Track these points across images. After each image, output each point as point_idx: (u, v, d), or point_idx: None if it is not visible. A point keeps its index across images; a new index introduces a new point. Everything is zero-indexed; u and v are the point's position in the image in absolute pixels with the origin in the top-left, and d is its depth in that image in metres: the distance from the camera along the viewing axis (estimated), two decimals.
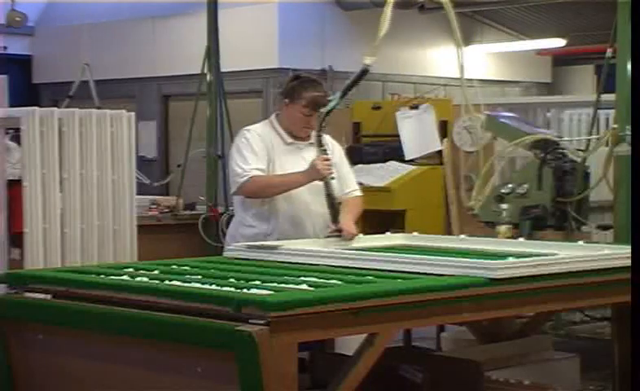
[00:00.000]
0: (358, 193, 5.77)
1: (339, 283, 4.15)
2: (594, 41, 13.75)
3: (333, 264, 4.66)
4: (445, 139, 7.85)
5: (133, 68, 14.96)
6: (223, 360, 3.61)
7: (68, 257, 6.84)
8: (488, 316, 4.73)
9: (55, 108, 7.14)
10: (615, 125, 5.96)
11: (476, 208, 6.30)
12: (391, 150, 8.03)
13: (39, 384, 4.34)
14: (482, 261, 4.45)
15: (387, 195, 7.62)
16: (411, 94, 10.52)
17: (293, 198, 5.53)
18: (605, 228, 6.93)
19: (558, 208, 6.17)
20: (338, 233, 5.37)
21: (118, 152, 7.12)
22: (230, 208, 8.34)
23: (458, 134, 7.71)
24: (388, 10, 5.21)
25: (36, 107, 6.93)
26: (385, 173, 7.81)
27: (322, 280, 4.20)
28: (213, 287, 4.03)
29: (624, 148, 5.82)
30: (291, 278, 4.26)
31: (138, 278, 4.31)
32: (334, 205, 5.44)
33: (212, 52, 9.44)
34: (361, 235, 5.65)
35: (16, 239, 6.84)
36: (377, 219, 7.39)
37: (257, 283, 4.10)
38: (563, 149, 6.32)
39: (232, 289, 3.98)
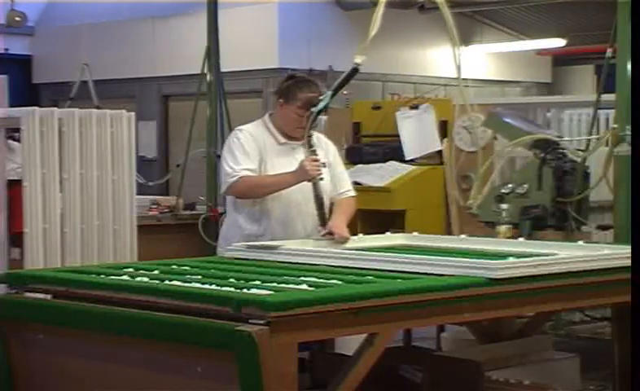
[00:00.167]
0: (352, 193, 5.74)
1: (339, 283, 4.15)
2: (594, 41, 13.75)
3: (333, 264, 4.66)
4: (445, 139, 7.85)
5: (133, 68, 14.96)
6: (223, 360, 3.61)
7: (68, 257, 6.85)
8: (488, 316, 4.73)
9: (55, 108, 7.15)
10: (615, 125, 5.96)
11: (474, 206, 6.30)
12: (391, 150, 8.03)
13: (39, 384, 4.34)
14: (482, 261, 4.45)
15: (387, 195, 7.61)
16: (411, 94, 10.52)
17: (284, 199, 5.49)
18: (605, 228, 6.93)
19: (558, 208, 6.17)
20: (330, 235, 5.34)
21: (118, 152, 7.12)
22: None
23: (458, 134, 7.71)
24: (380, 10, 5.19)
25: (36, 107, 6.94)
26: (385, 173, 7.80)
27: (322, 280, 4.20)
28: (213, 287, 4.03)
29: (624, 148, 5.82)
30: (291, 278, 4.26)
31: (138, 278, 4.31)
32: (322, 207, 5.42)
33: (212, 52, 9.44)
34: (361, 235, 5.65)
35: (16, 239, 6.84)
36: (377, 219, 7.40)
37: (257, 283, 4.10)
38: (563, 149, 6.32)
39: (232, 289, 3.98)
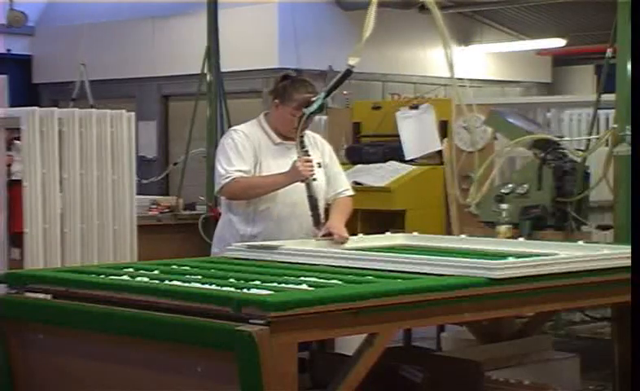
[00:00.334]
0: (350, 193, 5.71)
1: (339, 283, 4.15)
2: (594, 41, 13.75)
3: (333, 264, 4.66)
4: (445, 139, 7.85)
5: (133, 68, 14.96)
6: (223, 360, 3.61)
7: (68, 257, 6.85)
8: (488, 316, 4.73)
9: (55, 108, 7.15)
10: (615, 125, 5.96)
11: (473, 204, 6.30)
12: (391, 150, 8.02)
13: (39, 384, 4.34)
14: (482, 261, 4.45)
15: (387, 195, 7.61)
16: (411, 94, 10.53)
17: (280, 199, 5.47)
18: (605, 228, 6.93)
19: (558, 208, 6.18)
20: (329, 236, 5.33)
21: (118, 152, 7.13)
22: None
23: (458, 134, 7.71)
24: (372, 11, 5.17)
25: (36, 107, 6.94)
26: (385, 173, 7.80)
27: (322, 280, 4.20)
28: (213, 287, 4.02)
29: (624, 148, 5.82)
30: (291, 278, 4.26)
31: (138, 278, 4.30)
32: (316, 207, 5.41)
33: (212, 52, 9.44)
34: (361, 235, 5.64)
35: (16, 239, 6.85)
36: (377, 219, 7.40)
37: (257, 283, 4.10)
38: (563, 149, 6.32)
39: (232, 289, 3.98)
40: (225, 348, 3.61)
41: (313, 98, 5.37)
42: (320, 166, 5.54)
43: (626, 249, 4.49)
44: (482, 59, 15.86)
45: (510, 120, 6.62)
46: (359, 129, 8.44)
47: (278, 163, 5.48)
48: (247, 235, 5.46)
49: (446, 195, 7.81)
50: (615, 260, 4.71)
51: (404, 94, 10.30)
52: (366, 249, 5.13)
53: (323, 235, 5.33)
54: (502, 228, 6.04)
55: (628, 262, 4.31)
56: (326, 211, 5.61)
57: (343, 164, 7.32)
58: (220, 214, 5.75)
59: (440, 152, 7.94)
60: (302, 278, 4.23)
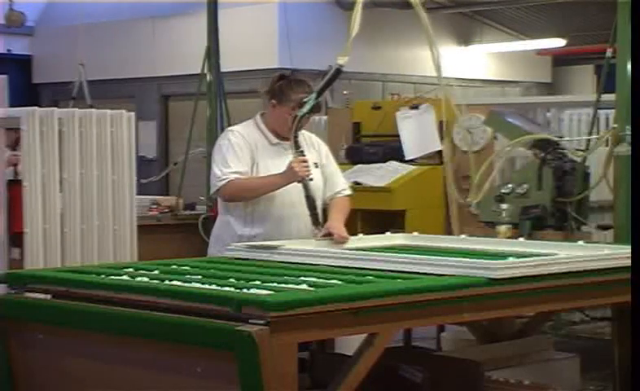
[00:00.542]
0: (348, 192, 5.70)
1: (339, 283, 4.15)
2: (594, 41, 13.76)
3: (333, 264, 4.66)
4: (445, 139, 7.84)
5: (133, 68, 14.97)
6: (223, 360, 3.61)
7: (68, 257, 6.86)
8: (488, 316, 4.73)
9: (55, 108, 7.16)
10: (615, 125, 5.95)
11: (473, 204, 6.30)
12: (391, 150, 8.02)
13: (39, 384, 4.34)
14: (482, 261, 4.45)
15: (387, 195, 7.61)
16: (411, 94, 10.52)
17: (277, 199, 5.46)
18: (605, 228, 6.93)
19: (558, 208, 6.17)
20: (329, 236, 5.32)
21: (118, 152, 7.13)
22: None
23: (458, 134, 7.71)
24: (358, 9, 5.17)
25: (36, 107, 6.95)
26: (385, 173, 7.80)
27: (322, 280, 4.20)
28: (213, 287, 4.02)
29: (624, 148, 5.82)
30: (291, 278, 4.26)
31: (138, 278, 4.30)
32: (314, 207, 5.40)
33: (212, 52, 9.44)
34: (361, 235, 5.64)
35: (16, 239, 6.85)
36: (377, 219, 7.40)
37: (257, 283, 4.10)
38: (563, 149, 6.32)
39: (232, 289, 3.98)
40: (225, 348, 3.61)
41: (305, 100, 5.34)
42: (317, 166, 5.53)
43: (626, 249, 4.49)
44: (482, 59, 15.86)
45: (510, 120, 6.62)
46: (359, 129, 8.44)
47: (275, 163, 5.47)
48: (245, 235, 5.45)
49: (446, 195, 7.80)
50: (615, 260, 4.71)
51: (404, 94, 10.29)
52: (366, 249, 5.12)
53: (323, 236, 5.33)
54: (502, 228, 6.04)
55: (628, 262, 4.32)
56: (324, 211, 5.61)
57: (343, 164, 7.34)
58: None
59: (440, 152, 7.94)
60: (302, 278, 4.23)
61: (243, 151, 5.47)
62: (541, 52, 16.13)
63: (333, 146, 6.75)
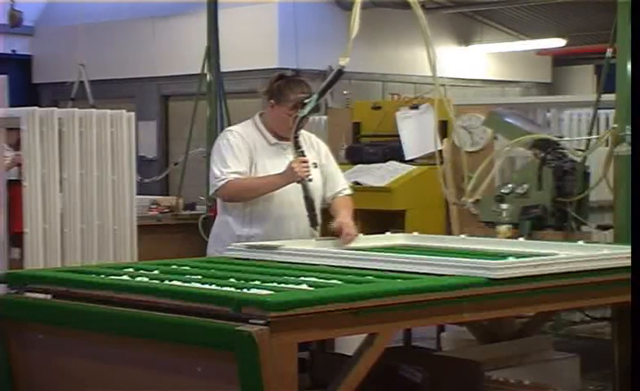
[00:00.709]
0: (349, 191, 5.69)
1: (339, 283, 4.15)
2: (594, 41, 13.77)
3: (333, 264, 4.66)
4: (445, 139, 7.84)
5: (133, 68, 14.97)
6: (223, 360, 3.61)
7: (68, 257, 6.86)
8: (488, 316, 4.73)
9: (55, 108, 7.17)
10: (616, 125, 5.95)
11: (467, 203, 6.30)
12: (391, 150, 8.02)
13: (39, 384, 4.34)
14: (482, 261, 4.45)
15: (387, 195, 7.61)
16: (411, 94, 10.52)
17: (276, 200, 5.45)
18: (605, 228, 6.93)
19: (558, 208, 6.17)
20: (338, 233, 5.32)
21: (118, 152, 7.13)
22: None
23: (458, 134, 7.70)
24: (357, 10, 5.16)
25: (36, 107, 6.95)
26: (385, 173, 7.80)
27: (322, 280, 4.20)
28: (213, 287, 4.03)
29: (624, 148, 5.82)
30: (291, 278, 4.26)
31: (138, 278, 4.30)
32: (313, 208, 5.40)
33: (212, 52, 9.45)
34: (361, 235, 5.64)
35: (16, 239, 6.86)
36: (377, 219, 7.39)
37: (257, 283, 4.10)
38: (563, 149, 6.32)
39: (232, 289, 3.98)
40: (225, 348, 3.61)
41: (307, 100, 5.34)
42: (315, 166, 5.53)
43: (626, 249, 4.49)
44: (482, 59, 15.86)
45: (510, 120, 6.61)
46: (359, 129, 8.43)
47: (274, 163, 5.47)
48: (243, 235, 5.45)
49: (447, 196, 7.80)
50: (615, 260, 4.71)
51: (404, 94, 10.29)
52: (366, 249, 5.13)
53: (332, 234, 5.31)
54: (502, 228, 6.03)
55: (628, 262, 4.32)
56: (325, 211, 5.61)
57: (343, 164, 7.33)
58: None
59: (440, 152, 7.93)
60: (302, 278, 4.23)
61: (241, 151, 5.47)
62: (541, 52, 16.14)
63: (333, 146, 6.75)
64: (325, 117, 9.45)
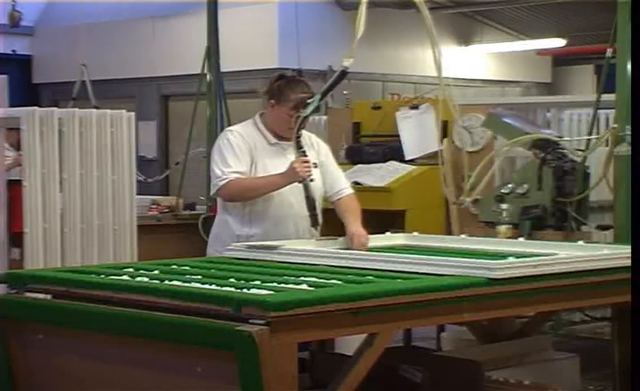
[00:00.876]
0: (350, 190, 5.68)
1: (339, 283, 4.15)
2: (594, 41, 13.77)
3: (333, 264, 4.66)
4: (445, 139, 7.84)
5: (133, 68, 14.97)
6: (223, 360, 3.61)
7: (68, 257, 6.86)
8: (488, 316, 4.73)
9: (55, 108, 7.17)
10: (615, 125, 5.95)
11: (466, 202, 6.30)
12: (391, 150, 8.02)
13: (39, 384, 4.34)
14: (482, 261, 4.45)
15: (387, 195, 7.61)
16: (411, 94, 10.53)
17: (276, 199, 5.45)
18: (605, 228, 6.93)
19: (558, 208, 6.17)
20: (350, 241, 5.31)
21: (118, 152, 7.13)
22: None
23: (458, 134, 7.71)
24: (363, 11, 5.16)
25: (36, 107, 6.95)
26: (385, 173, 7.80)
27: (322, 280, 4.20)
28: (213, 287, 4.03)
29: (624, 148, 5.82)
30: (291, 278, 4.26)
31: (138, 278, 4.30)
32: (314, 208, 5.40)
33: (212, 52, 9.44)
34: None
35: (16, 239, 6.86)
36: (377, 219, 7.39)
37: (257, 283, 4.10)
38: (563, 149, 6.32)
39: (232, 289, 3.98)
40: (225, 348, 3.61)
41: (309, 100, 5.33)
42: (316, 166, 5.53)
43: (626, 249, 4.49)
44: (482, 59, 15.86)
45: (508, 121, 6.61)
46: (359, 129, 8.44)
47: (274, 163, 5.47)
48: (243, 235, 5.45)
49: (446, 195, 7.80)
50: (615, 260, 4.71)
51: (404, 94, 10.29)
52: (366, 249, 5.12)
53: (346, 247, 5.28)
54: (502, 228, 6.03)
55: (628, 262, 4.32)
56: (328, 211, 5.60)
57: (343, 164, 7.33)
58: None
59: (440, 152, 7.93)
60: (302, 278, 4.23)
61: (242, 151, 5.47)
62: (541, 52, 16.13)
63: (333, 146, 6.75)
64: (325, 117, 9.45)
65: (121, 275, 4.39)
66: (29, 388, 4.37)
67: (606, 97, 6.53)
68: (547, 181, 6.17)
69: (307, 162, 5.35)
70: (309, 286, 4.05)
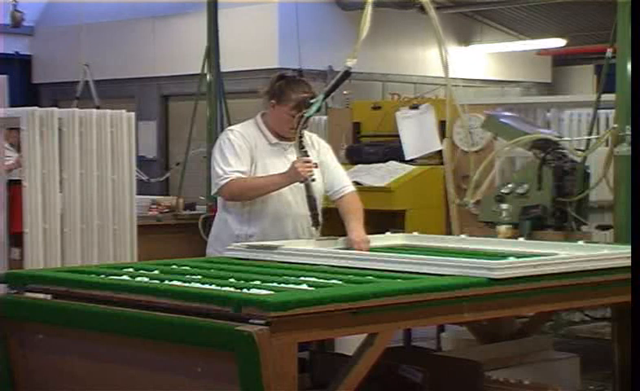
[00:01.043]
0: (352, 188, 5.67)
1: (339, 283, 4.15)
2: (594, 41, 13.77)
3: (333, 264, 4.66)
4: (445, 139, 7.84)
5: (133, 68, 14.98)
6: (223, 360, 3.61)
7: (68, 257, 6.86)
8: (488, 316, 4.73)
9: (55, 108, 7.17)
10: (615, 125, 5.95)
11: (470, 203, 6.30)
12: (391, 150, 8.02)
13: (39, 384, 4.34)
14: (482, 261, 4.45)
15: (387, 195, 7.61)
16: (411, 94, 10.53)
17: (274, 199, 5.45)
18: (605, 228, 6.93)
19: (558, 208, 6.17)
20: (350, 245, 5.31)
21: (118, 152, 7.13)
22: None
23: (458, 134, 7.71)
24: (368, 11, 5.16)
25: (36, 107, 6.95)
26: (385, 173, 7.80)
27: (322, 280, 4.20)
28: (213, 287, 4.02)
29: (624, 148, 5.82)
30: (291, 278, 4.26)
31: (138, 278, 4.30)
32: (315, 207, 5.40)
33: (212, 52, 9.44)
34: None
35: (16, 239, 6.86)
36: (377, 219, 7.39)
37: (257, 283, 4.10)
38: (563, 149, 6.32)
39: (232, 289, 3.98)
40: (225, 348, 3.61)
41: (312, 100, 5.34)
42: (316, 166, 5.53)
43: (626, 249, 4.49)
44: (482, 59, 15.87)
45: (507, 122, 6.61)
46: (359, 129, 8.43)
47: (274, 163, 5.48)
48: (242, 235, 5.46)
49: (446, 195, 7.80)
50: (615, 260, 4.71)
51: (404, 94, 10.29)
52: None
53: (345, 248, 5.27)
54: (502, 228, 6.03)
55: (628, 262, 4.32)
56: (329, 210, 5.60)
57: (343, 164, 7.32)
58: None
59: (440, 152, 7.93)
60: (302, 278, 4.23)
61: (243, 150, 5.48)
62: (541, 52, 16.14)
63: (333, 146, 6.74)
64: (325, 117, 9.45)
65: (121, 275, 4.39)
66: (29, 388, 4.37)
67: (606, 97, 6.52)
68: (547, 181, 6.17)
69: (309, 162, 5.35)
70: (309, 286, 4.05)
